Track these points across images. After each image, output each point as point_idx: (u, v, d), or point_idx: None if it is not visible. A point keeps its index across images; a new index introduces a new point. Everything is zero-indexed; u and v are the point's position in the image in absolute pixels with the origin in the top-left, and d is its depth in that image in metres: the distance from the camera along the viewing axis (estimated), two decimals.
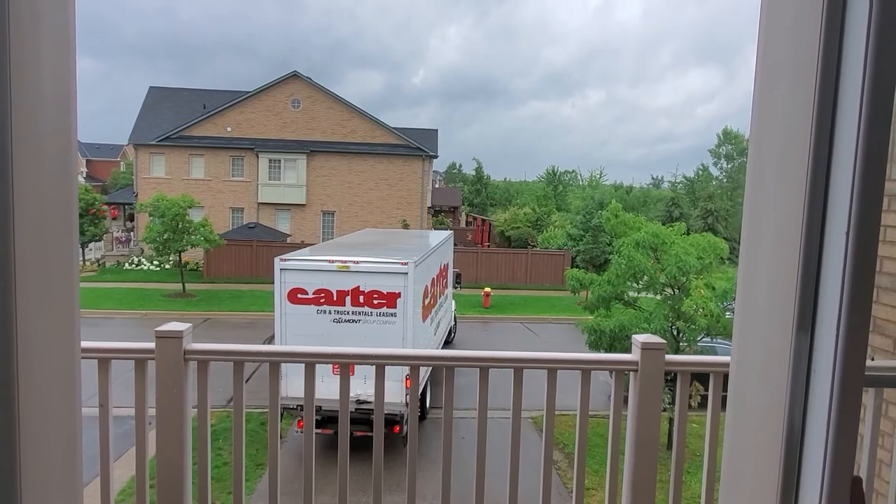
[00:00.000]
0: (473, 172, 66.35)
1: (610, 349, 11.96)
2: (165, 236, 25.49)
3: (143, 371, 2.58)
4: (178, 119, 37.36)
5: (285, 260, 11.22)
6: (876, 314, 2.66)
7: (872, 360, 2.66)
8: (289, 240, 33.74)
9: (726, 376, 2.16)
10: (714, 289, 11.98)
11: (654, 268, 12.58)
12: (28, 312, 0.86)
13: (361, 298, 10.91)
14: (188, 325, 2.63)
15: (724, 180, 54.46)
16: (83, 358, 1.03)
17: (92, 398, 2.27)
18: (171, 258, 29.95)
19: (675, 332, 12.39)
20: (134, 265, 33.10)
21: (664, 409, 3.58)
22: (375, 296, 10.91)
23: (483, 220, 48.32)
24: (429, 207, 39.33)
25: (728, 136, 54.97)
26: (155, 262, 32.30)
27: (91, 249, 33.35)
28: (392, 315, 10.90)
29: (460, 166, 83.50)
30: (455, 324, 19.21)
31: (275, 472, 2.66)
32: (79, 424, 0.96)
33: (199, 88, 41.82)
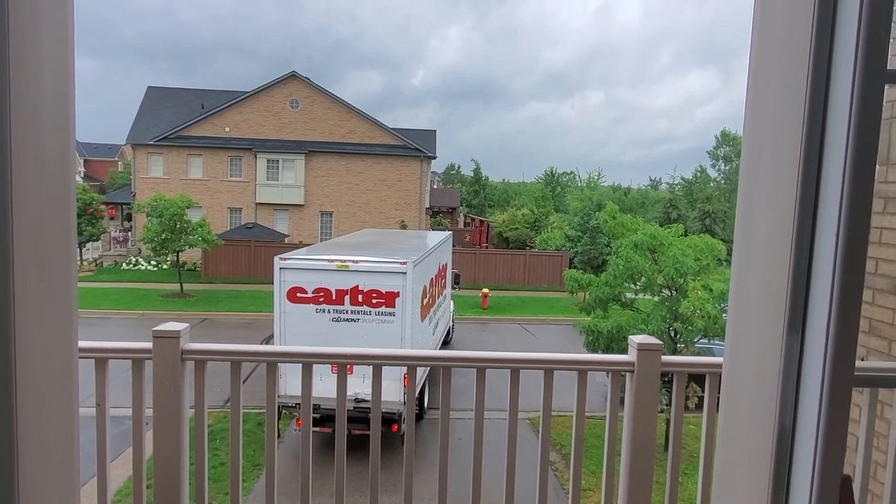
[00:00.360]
0: (472, 173, 66.37)
1: (607, 350, 11.97)
2: (163, 236, 25.45)
3: (140, 371, 2.58)
4: (176, 119, 37.31)
5: (285, 259, 11.24)
6: (871, 316, 2.66)
7: (862, 360, 2.67)
8: (287, 240, 33.70)
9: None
10: (711, 290, 11.99)
11: (651, 269, 12.58)
12: (26, 312, 0.86)
13: (360, 298, 10.94)
14: (185, 325, 2.63)
15: (722, 182, 54.54)
16: (80, 358, 1.03)
17: (89, 398, 2.28)
18: (168, 258, 29.91)
19: (672, 334, 12.40)
20: (131, 265, 33.03)
21: (661, 411, 3.58)
22: (374, 295, 10.94)
23: (481, 221, 48.32)
24: (427, 208, 39.32)
25: (726, 138, 55.07)
26: (152, 263, 32.24)
27: (88, 249, 33.28)
28: (391, 314, 10.92)
29: (459, 167, 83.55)
30: (452, 324, 19.22)
31: (272, 472, 2.66)
32: (76, 424, 0.96)
33: (198, 88, 41.78)
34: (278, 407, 11.12)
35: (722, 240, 14.00)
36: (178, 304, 24.91)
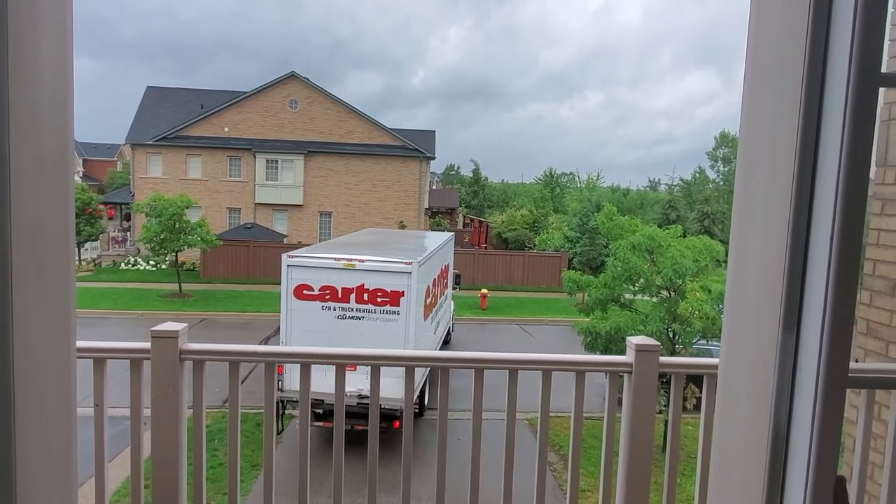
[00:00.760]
0: (471, 174, 66.39)
1: (605, 351, 11.97)
2: (162, 236, 25.43)
3: (138, 371, 2.58)
4: (175, 119, 37.29)
5: (292, 257, 11.44)
6: (869, 317, 2.67)
7: (857, 361, 2.68)
8: (286, 240, 33.69)
9: None
10: (710, 291, 12.00)
11: (650, 270, 12.59)
12: (25, 311, 0.86)
13: (366, 296, 11.10)
14: (184, 325, 2.63)
15: (721, 183, 54.59)
16: (78, 357, 1.03)
17: (87, 398, 2.27)
18: (167, 258, 29.88)
19: (670, 335, 12.41)
20: (130, 265, 33.00)
21: (659, 412, 3.59)
22: (379, 294, 11.09)
23: (480, 222, 48.33)
24: (426, 209, 39.32)
25: (725, 139, 55.13)
26: (151, 263, 32.22)
27: (87, 249, 33.25)
28: (395, 313, 11.06)
29: (458, 168, 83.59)
30: (452, 325, 19.30)
31: (270, 472, 2.66)
32: (74, 424, 0.96)
33: (197, 88, 41.76)
34: (283, 401, 11.42)
35: (721, 241, 14.00)
36: (176, 304, 24.89)
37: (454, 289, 18.88)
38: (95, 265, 32.86)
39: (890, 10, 0.79)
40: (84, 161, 67.86)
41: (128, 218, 40.36)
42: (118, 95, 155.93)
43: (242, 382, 2.72)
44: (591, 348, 12.40)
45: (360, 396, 9.15)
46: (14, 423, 0.86)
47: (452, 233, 21.84)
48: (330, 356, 2.84)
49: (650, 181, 77.89)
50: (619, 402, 2.73)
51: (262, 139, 36.46)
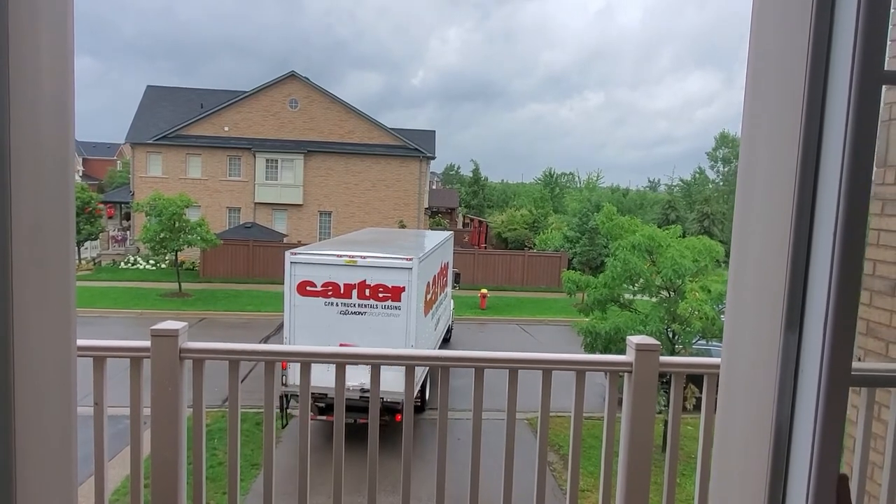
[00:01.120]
0: (471, 174, 66.37)
1: (605, 351, 11.97)
2: (162, 235, 25.42)
3: (138, 370, 2.58)
4: (175, 118, 37.28)
5: (296, 254, 11.69)
6: (869, 317, 2.67)
7: (860, 360, 2.68)
8: (285, 240, 33.67)
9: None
10: (709, 291, 12.00)
11: (649, 270, 12.59)
12: (25, 311, 0.86)
13: (367, 292, 11.33)
14: (184, 323, 2.63)
15: (721, 183, 54.59)
16: (78, 356, 1.03)
17: (87, 397, 2.27)
18: (167, 257, 29.86)
19: (670, 335, 12.40)
20: (130, 264, 32.99)
21: (659, 412, 3.59)
22: (381, 289, 11.32)
23: (480, 222, 48.33)
24: (426, 209, 39.31)
25: (725, 140, 55.13)
26: (151, 262, 32.20)
27: (87, 248, 33.23)
28: (396, 308, 11.30)
29: (458, 168, 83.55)
30: (452, 323, 19.43)
31: (270, 472, 2.66)
32: (74, 422, 0.96)
33: (197, 88, 41.75)
34: (287, 396, 11.60)
35: (720, 241, 14.00)
36: (176, 303, 24.88)
37: (454, 287, 19.03)
38: (95, 264, 32.84)
39: (893, 8, 0.79)
40: (84, 160, 67.83)
41: (127, 217, 40.36)
42: (118, 95, 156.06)
43: (242, 381, 2.72)
44: (590, 348, 12.41)
45: (363, 390, 9.24)
46: (14, 421, 0.86)
47: (451, 231, 21.94)
48: (330, 355, 2.84)
49: (650, 181, 77.95)
50: (620, 402, 2.73)
51: (262, 139, 36.44)
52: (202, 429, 2.62)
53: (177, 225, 25.63)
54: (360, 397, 9.13)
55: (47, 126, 0.88)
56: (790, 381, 0.87)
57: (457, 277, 19.71)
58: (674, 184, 60.88)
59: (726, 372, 0.97)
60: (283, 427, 11.66)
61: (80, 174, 61.71)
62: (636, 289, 13.21)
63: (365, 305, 11.36)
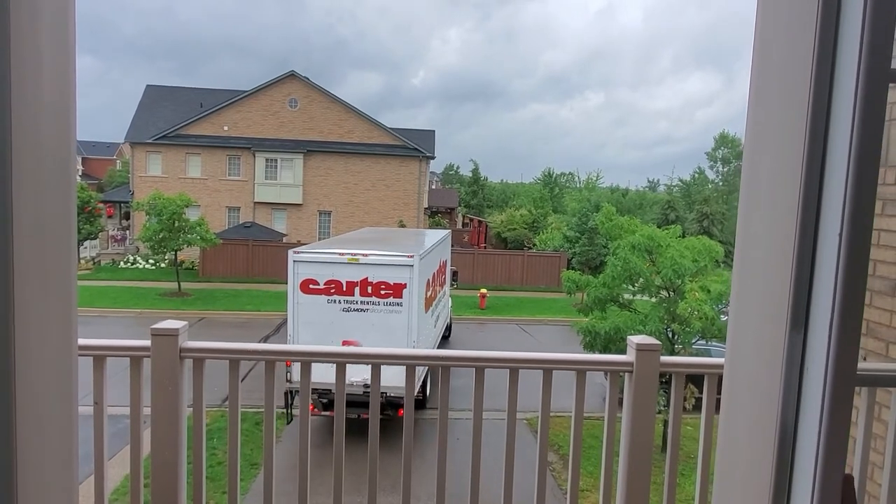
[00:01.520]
0: (470, 174, 66.35)
1: (605, 351, 11.98)
2: (162, 235, 25.42)
3: (138, 369, 2.57)
4: (175, 118, 37.26)
5: (299, 252, 11.88)
6: (869, 317, 2.67)
7: (864, 360, 2.68)
8: (285, 239, 33.68)
9: (721, 378, 2.16)
10: (709, 291, 12.00)
11: (649, 270, 12.59)
12: (26, 310, 0.86)
13: (370, 289, 11.54)
14: (184, 322, 2.63)
15: (720, 184, 54.61)
16: (79, 356, 1.03)
17: (87, 396, 2.27)
18: (166, 257, 29.85)
19: (670, 335, 12.41)
20: (129, 263, 32.98)
21: (659, 412, 3.59)
22: (383, 286, 11.52)
23: (479, 222, 48.34)
24: (425, 208, 39.31)
25: (725, 140, 55.13)
26: (150, 261, 32.19)
27: (86, 248, 33.22)
28: (398, 305, 11.51)
29: (457, 168, 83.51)
30: (451, 321, 19.56)
31: (269, 471, 2.65)
32: (75, 422, 0.96)
33: (197, 87, 41.74)
34: (292, 392, 11.73)
35: (720, 241, 14.02)
36: (175, 302, 24.88)
37: (452, 285, 19.19)
38: (94, 264, 32.83)
39: None
40: (83, 159, 67.79)
41: (127, 216, 40.35)
42: (118, 94, 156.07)
43: (242, 381, 2.72)
44: (590, 348, 12.42)
45: (367, 386, 9.25)
46: (15, 421, 0.85)
47: (449, 230, 22.07)
48: (330, 355, 2.84)
49: (649, 181, 77.97)
50: (620, 402, 2.73)
51: (262, 138, 36.43)
52: (202, 428, 2.62)
53: (176, 224, 25.62)
54: (364, 392, 9.16)
55: (48, 126, 0.88)
56: (795, 382, 0.87)
57: (454, 275, 19.99)
58: (673, 184, 60.94)
59: (730, 372, 0.97)
60: (288, 423, 11.81)
61: (80, 173, 61.68)
62: (636, 289, 13.22)
63: (367, 302, 11.52)
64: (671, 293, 12.59)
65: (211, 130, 36.31)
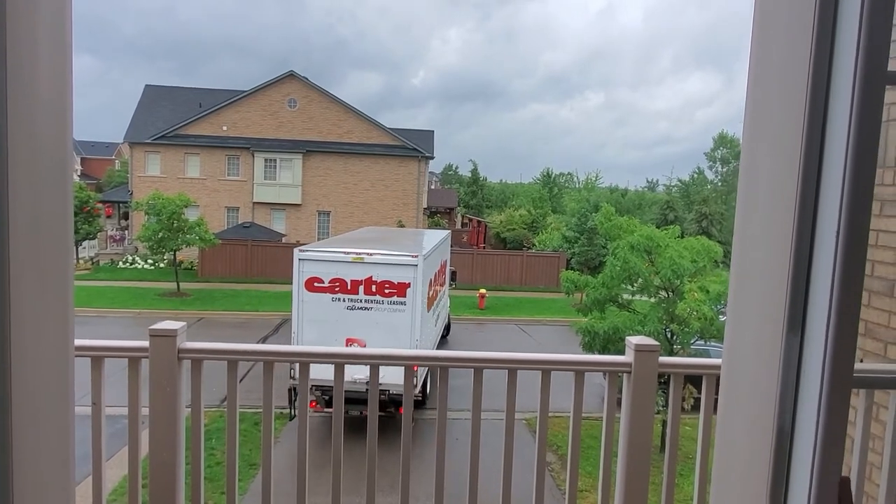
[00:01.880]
0: (469, 174, 66.35)
1: (603, 351, 11.98)
2: (160, 235, 25.40)
3: (136, 370, 2.57)
4: (174, 118, 37.24)
5: (304, 251, 12.04)
6: (867, 318, 2.67)
7: (861, 361, 2.68)
8: (284, 240, 33.67)
9: (719, 379, 2.16)
10: (708, 292, 12.01)
11: (648, 270, 12.60)
12: (23, 310, 0.86)
13: (374, 288, 11.66)
14: (182, 323, 2.62)
15: (719, 184, 54.66)
16: (76, 356, 1.03)
17: (85, 397, 2.27)
18: (165, 257, 29.83)
19: (668, 335, 12.41)
20: (128, 264, 32.95)
21: (657, 412, 3.59)
22: (387, 286, 11.65)
23: (479, 222, 48.35)
24: (425, 208, 39.31)
25: (723, 140, 55.18)
26: (149, 261, 32.17)
27: (85, 248, 33.19)
28: (402, 304, 11.62)
29: (457, 168, 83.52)
30: (449, 321, 19.63)
31: (268, 471, 2.65)
32: (72, 422, 0.96)
33: (196, 87, 41.73)
34: (295, 389, 11.77)
35: (719, 241, 14.03)
36: (174, 302, 24.86)
37: (451, 285, 19.32)
38: (93, 263, 32.80)
39: None
40: (82, 159, 67.72)
41: (126, 216, 40.32)
42: (117, 94, 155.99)
43: (240, 381, 2.71)
44: (588, 348, 12.42)
45: (368, 383, 9.34)
46: (11, 421, 0.85)
47: (448, 230, 22.15)
48: (328, 355, 2.83)
49: (648, 182, 78.04)
50: (618, 403, 2.73)
51: (261, 138, 36.42)
52: (200, 429, 2.62)
53: (175, 224, 25.60)
54: (367, 390, 9.20)
55: (45, 125, 0.88)
56: (792, 383, 0.87)
57: (453, 275, 20.14)
58: (672, 184, 61.00)
59: (727, 373, 0.97)
60: (291, 419, 11.91)
61: (79, 173, 61.63)
62: (635, 289, 13.22)
63: (371, 301, 11.63)
64: (670, 293, 12.60)
65: (210, 130, 36.29)
